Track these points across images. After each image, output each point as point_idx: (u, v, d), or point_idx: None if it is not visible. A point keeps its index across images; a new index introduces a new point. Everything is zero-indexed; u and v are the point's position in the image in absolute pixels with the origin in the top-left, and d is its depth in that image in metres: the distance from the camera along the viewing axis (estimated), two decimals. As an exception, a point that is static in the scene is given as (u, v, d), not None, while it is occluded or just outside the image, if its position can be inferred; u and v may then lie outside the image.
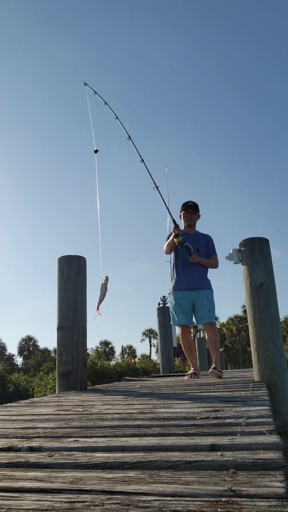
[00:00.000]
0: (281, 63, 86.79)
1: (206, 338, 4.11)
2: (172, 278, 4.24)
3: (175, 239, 3.98)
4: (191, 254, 4.05)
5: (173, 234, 3.99)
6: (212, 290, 4.15)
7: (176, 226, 4.01)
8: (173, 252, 4.22)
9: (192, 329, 4.27)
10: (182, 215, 4.27)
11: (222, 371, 4.17)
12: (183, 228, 4.24)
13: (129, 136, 4.33)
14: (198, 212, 4.28)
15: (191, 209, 4.23)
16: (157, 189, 4.16)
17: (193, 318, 4.16)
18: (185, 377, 4.13)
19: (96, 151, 4.23)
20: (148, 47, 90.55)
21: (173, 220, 4.05)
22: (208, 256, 4.20)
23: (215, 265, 4.20)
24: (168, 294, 4.24)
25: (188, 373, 4.16)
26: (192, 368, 4.15)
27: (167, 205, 4.26)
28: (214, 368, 3.74)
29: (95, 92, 4.40)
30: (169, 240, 4.12)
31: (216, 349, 3.97)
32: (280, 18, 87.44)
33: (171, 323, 4.26)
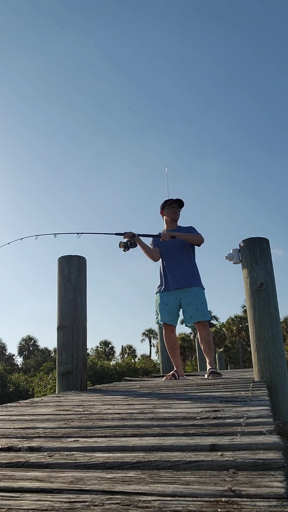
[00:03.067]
0: (284, 61, 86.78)
1: (199, 338, 3.94)
2: (160, 280, 4.09)
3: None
4: (159, 234, 3.97)
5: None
6: (203, 288, 3.95)
7: (124, 233, 3.97)
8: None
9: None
10: (166, 210, 4.13)
11: (220, 371, 4.10)
12: (165, 224, 4.16)
13: None
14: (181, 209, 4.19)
15: (176, 203, 4.13)
16: None
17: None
18: (163, 378, 4.02)
19: None
20: (148, 45, 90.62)
21: (118, 234, 4.01)
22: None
23: (199, 239, 3.97)
24: (155, 294, 4.09)
25: (167, 374, 4.02)
26: (174, 369, 4.00)
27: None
28: (212, 372, 3.62)
29: None
30: (145, 251, 4.05)
31: (210, 349, 3.83)
32: (281, 17, 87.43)
33: (155, 322, 4.07)
